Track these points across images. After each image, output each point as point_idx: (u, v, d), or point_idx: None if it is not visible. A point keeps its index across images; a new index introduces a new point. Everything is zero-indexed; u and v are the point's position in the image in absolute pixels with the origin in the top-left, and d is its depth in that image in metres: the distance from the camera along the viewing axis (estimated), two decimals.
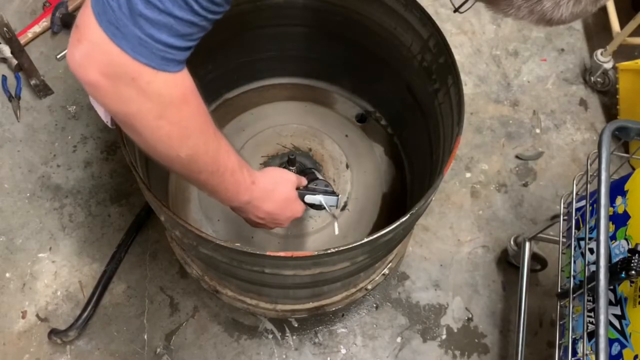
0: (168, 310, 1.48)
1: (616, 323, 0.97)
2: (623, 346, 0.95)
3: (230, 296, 1.32)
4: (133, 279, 1.51)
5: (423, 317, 1.51)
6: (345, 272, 1.08)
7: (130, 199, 1.60)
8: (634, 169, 1.24)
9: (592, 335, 0.92)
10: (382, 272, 1.35)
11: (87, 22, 0.61)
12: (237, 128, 1.52)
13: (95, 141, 1.69)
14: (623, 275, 0.89)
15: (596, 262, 0.92)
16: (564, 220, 1.26)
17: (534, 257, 1.47)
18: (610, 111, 1.84)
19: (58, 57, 1.81)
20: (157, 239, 1.55)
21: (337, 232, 1.12)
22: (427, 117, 1.30)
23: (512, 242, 1.53)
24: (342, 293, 1.32)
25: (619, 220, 1.04)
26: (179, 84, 0.68)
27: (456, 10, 0.81)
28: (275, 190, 0.97)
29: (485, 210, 1.66)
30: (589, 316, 1.01)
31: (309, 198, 1.08)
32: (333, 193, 1.11)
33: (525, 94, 1.86)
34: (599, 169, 0.99)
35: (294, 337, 1.47)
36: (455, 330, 1.50)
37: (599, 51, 1.80)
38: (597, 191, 0.97)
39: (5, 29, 1.62)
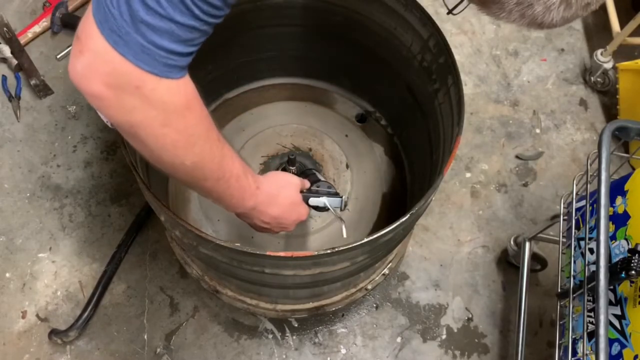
0: (168, 310, 1.48)
1: (616, 323, 0.97)
2: (623, 346, 0.95)
3: (230, 296, 1.32)
4: (133, 279, 1.51)
5: (423, 317, 1.51)
6: (345, 272, 1.08)
7: (130, 199, 1.60)
8: (634, 169, 1.24)
9: (592, 335, 0.92)
10: (382, 272, 1.35)
11: (89, 32, 0.61)
12: (237, 128, 1.52)
13: (95, 141, 1.69)
14: (623, 275, 0.89)
15: (596, 262, 0.92)
16: (564, 220, 1.26)
17: (534, 257, 1.47)
18: (610, 111, 1.84)
19: (58, 57, 1.81)
20: (157, 239, 1.55)
21: (345, 235, 1.10)
22: (427, 117, 1.30)
23: (512, 242, 1.53)
24: (342, 293, 1.32)
25: (619, 220, 1.04)
26: (182, 90, 0.67)
27: (450, 12, 0.82)
28: (279, 194, 0.97)
29: (485, 210, 1.66)
30: (589, 316, 1.01)
31: (313, 200, 1.08)
32: (337, 194, 1.11)
33: (525, 94, 1.86)
34: (599, 169, 0.99)
35: (294, 337, 1.47)
36: (455, 330, 1.50)
37: (599, 51, 1.80)
38: (597, 191, 0.97)
39: (5, 29, 1.62)
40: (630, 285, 0.96)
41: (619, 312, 0.98)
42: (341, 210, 1.12)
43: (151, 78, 0.63)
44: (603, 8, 1.79)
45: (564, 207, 1.26)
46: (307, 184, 1.09)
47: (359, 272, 1.17)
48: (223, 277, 1.27)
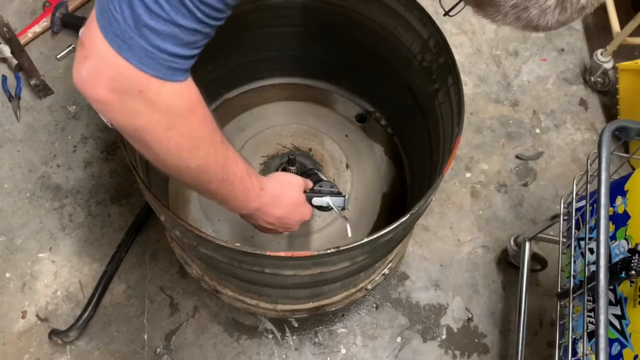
0: (168, 310, 1.48)
1: (616, 323, 0.97)
2: (623, 346, 0.95)
3: (230, 296, 1.32)
4: (133, 279, 1.51)
5: (423, 317, 1.51)
6: (345, 272, 1.08)
7: (130, 199, 1.60)
8: (634, 169, 1.24)
9: (592, 335, 0.92)
10: (382, 272, 1.35)
11: (93, 37, 0.61)
12: (237, 128, 1.52)
13: (95, 141, 1.69)
14: (623, 275, 0.89)
15: (596, 262, 0.92)
16: (564, 220, 1.26)
17: (534, 257, 1.47)
18: (610, 111, 1.84)
19: (58, 57, 1.81)
20: (157, 239, 1.55)
21: (350, 234, 1.10)
22: (427, 117, 1.30)
23: (512, 242, 1.53)
24: (342, 293, 1.32)
25: (619, 220, 1.04)
26: (186, 93, 0.68)
27: (446, 13, 0.82)
28: (283, 195, 0.97)
29: (485, 210, 1.66)
30: (589, 316, 1.01)
31: (317, 200, 1.08)
32: (339, 194, 1.11)
33: (525, 94, 1.86)
34: (599, 169, 0.99)
35: (294, 337, 1.47)
36: (455, 330, 1.50)
37: (599, 51, 1.80)
38: (597, 191, 0.97)
39: (5, 29, 1.62)
40: (630, 285, 0.96)
41: (619, 312, 0.98)
42: (345, 209, 1.12)
43: (155, 82, 0.63)
44: (603, 8, 1.80)
45: (564, 207, 1.26)
46: (310, 184, 1.09)
47: (359, 272, 1.17)
48: (223, 277, 1.27)
